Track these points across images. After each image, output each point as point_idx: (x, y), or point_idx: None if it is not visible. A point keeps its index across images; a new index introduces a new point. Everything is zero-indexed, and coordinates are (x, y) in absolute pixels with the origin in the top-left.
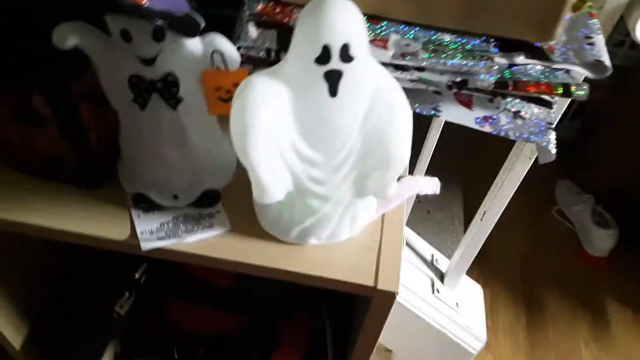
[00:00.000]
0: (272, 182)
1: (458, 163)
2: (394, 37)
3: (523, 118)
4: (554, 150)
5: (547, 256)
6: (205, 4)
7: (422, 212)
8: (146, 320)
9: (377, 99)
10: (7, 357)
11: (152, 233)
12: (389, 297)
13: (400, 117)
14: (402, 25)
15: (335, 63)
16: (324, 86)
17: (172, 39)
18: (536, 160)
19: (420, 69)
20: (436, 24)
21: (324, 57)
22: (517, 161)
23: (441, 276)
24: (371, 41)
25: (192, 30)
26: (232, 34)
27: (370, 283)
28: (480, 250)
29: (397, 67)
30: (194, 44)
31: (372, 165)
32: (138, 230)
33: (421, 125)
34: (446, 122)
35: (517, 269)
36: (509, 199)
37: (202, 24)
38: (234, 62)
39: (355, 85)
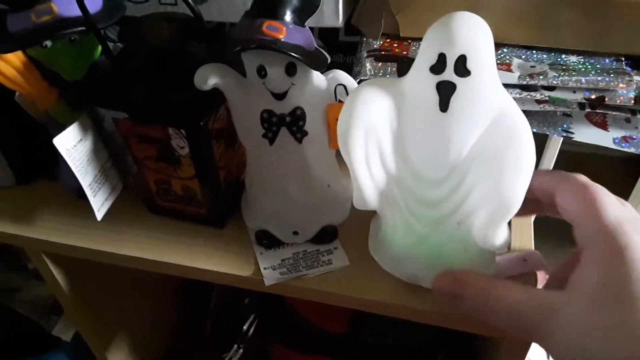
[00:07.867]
0: (368, 181)
1: None
2: (517, 61)
3: None
4: None
5: None
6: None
7: None
8: None
9: (497, 125)
10: None
11: (274, 269)
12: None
13: (521, 147)
14: (524, 50)
15: (449, 74)
16: (435, 99)
17: (302, 74)
18: None
19: (550, 88)
20: (559, 46)
21: (438, 65)
22: None
23: None
24: None
25: (321, 64)
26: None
27: None
28: None
29: (524, 89)
30: (320, 79)
31: (478, 198)
32: (261, 266)
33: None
34: None
35: None
36: None
37: (329, 59)
38: None
39: (469, 103)
